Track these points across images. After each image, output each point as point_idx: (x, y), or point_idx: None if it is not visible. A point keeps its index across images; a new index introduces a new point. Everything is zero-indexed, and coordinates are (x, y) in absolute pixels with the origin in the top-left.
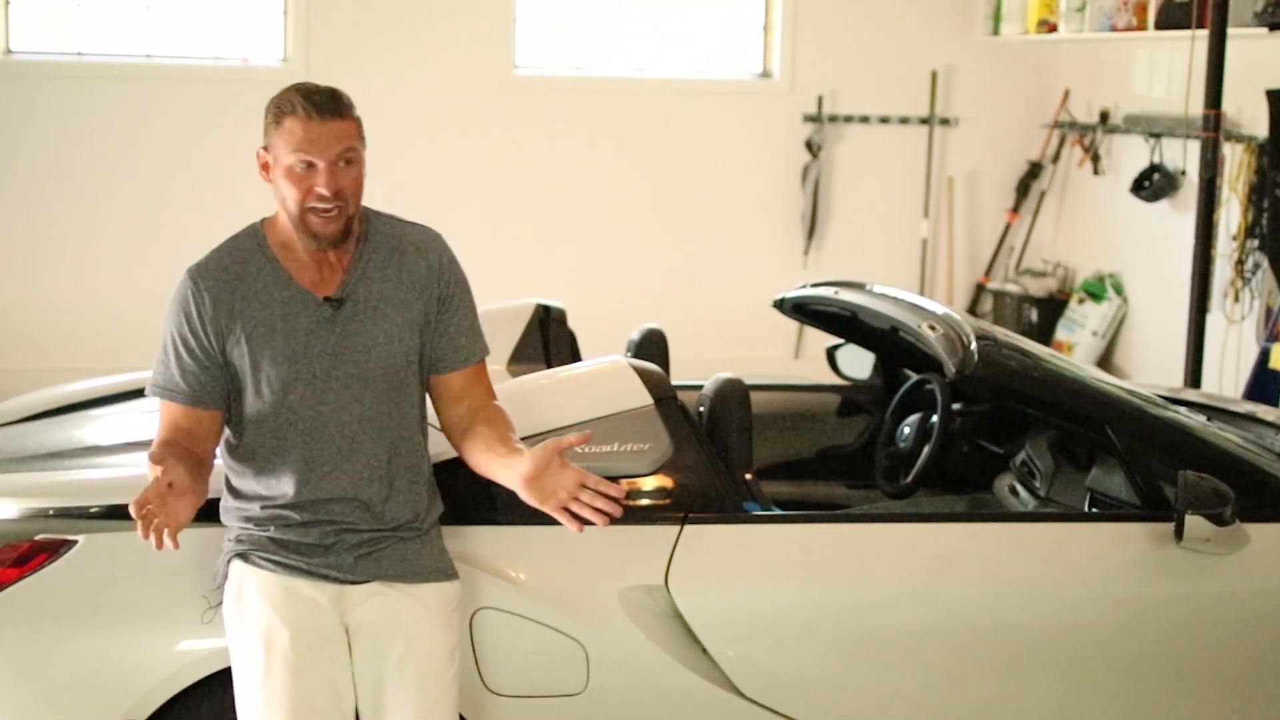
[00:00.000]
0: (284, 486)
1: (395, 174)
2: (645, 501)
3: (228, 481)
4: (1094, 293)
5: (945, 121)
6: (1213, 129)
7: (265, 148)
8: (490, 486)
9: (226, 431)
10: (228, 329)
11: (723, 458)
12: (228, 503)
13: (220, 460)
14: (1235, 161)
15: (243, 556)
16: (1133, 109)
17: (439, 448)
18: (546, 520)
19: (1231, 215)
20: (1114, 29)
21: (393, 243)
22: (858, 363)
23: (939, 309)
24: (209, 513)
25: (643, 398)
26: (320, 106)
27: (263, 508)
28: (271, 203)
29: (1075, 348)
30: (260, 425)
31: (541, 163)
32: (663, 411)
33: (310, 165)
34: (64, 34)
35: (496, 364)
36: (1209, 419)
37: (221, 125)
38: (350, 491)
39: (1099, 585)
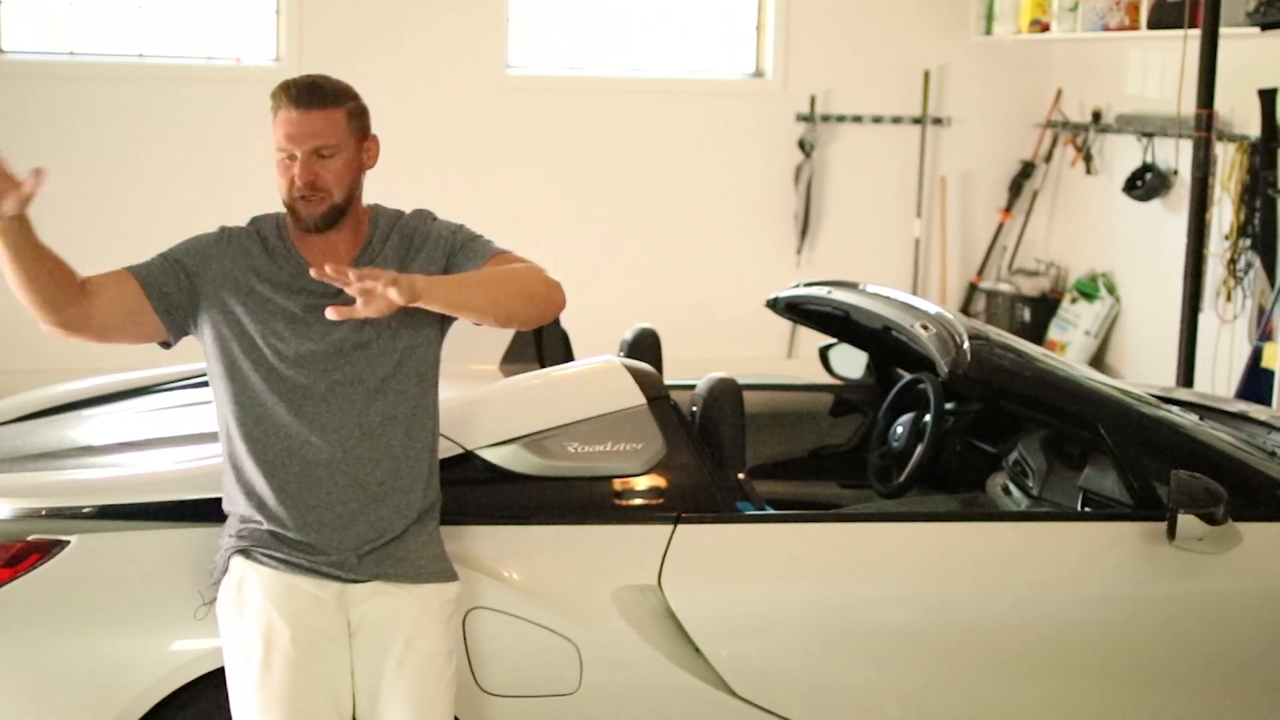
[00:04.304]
0: (277, 447)
1: (387, 174)
2: (638, 501)
3: (229, 470)
4: (1086, 292)
5: (938, 121)
6: (1205, 128)
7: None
8: (488, 486)
9: (228, 417)
10: (231, 278)
11: (716, 457)
12: (231, 493)
13: (222, 455)
14: (1227, 161)
15: (244, 553)
16: (1125, 108)
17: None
18: (542, 520)
19: (1224, 215)
20: (1106, 29)
21: (392, 229)
22: (851, 362)
23: (932, 308)
24: (207, 513)
25: (635, 397)
26: (296, 99)
27: (259, 478)
28: (265, 202)
29: (1068, 347)
30: (257, 386)
31: (534, 162)
32: (655, 411)
33: (291, 156)
34: (56, 33)
35: (490, 364)
36: (1201, 418)
37: (215, 125)
38: (340, 452)
39: (1092, 584)
